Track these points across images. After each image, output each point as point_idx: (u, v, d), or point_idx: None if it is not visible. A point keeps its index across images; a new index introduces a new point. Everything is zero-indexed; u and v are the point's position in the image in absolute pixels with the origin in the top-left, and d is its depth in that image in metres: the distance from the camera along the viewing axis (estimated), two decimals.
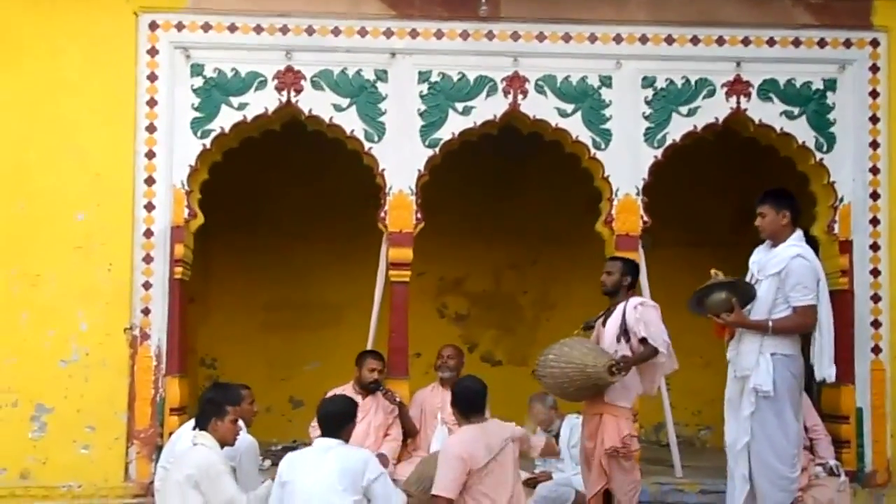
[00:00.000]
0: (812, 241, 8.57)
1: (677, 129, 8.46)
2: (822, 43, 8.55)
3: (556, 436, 8.12)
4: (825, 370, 6.61)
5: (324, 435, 6.16)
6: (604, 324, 7.05)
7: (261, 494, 6.13)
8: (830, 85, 8.52)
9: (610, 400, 6.76)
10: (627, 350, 6.75)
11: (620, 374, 6.60)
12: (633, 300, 6.94)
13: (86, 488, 7.94)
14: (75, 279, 8.11)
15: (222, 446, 6.13)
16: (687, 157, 8.79)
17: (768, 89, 8.48)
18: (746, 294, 6.53)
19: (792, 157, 8.67)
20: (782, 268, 6.47)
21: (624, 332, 6.78)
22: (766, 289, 6.51)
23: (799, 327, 6.51)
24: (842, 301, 8.32)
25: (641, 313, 6.80)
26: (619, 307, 6.92)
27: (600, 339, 7.00)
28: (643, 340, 6.74)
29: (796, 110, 8.49)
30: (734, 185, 10.71)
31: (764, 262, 6.59)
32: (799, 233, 6.69)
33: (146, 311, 8.18)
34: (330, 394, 7.85)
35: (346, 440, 6.17)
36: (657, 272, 8.52)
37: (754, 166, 9.97)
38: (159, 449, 7.66)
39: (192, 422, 6.51)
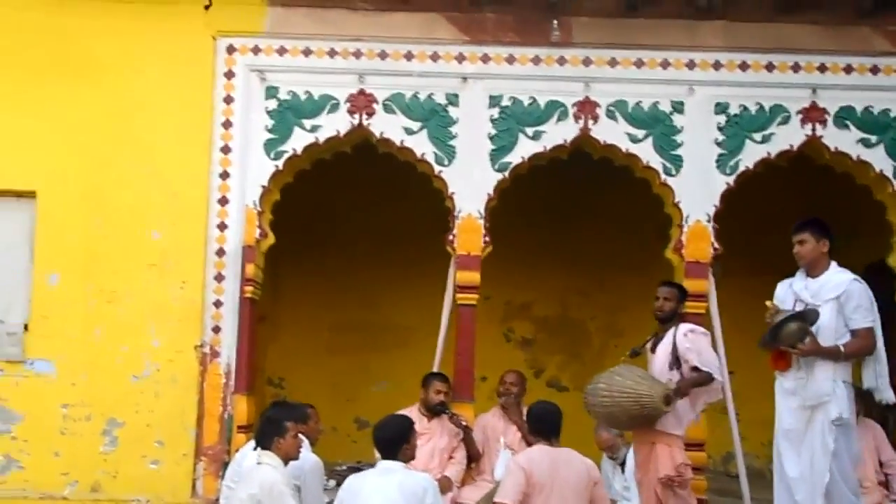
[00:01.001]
0: (889, 272, 8.43)
1: (750, 155, 8.37)
2: None
3: (622, 464, 8.05)
4: (885, 392, 6.51)
5: (384, 458, 6.14)
6: (653, 350, 7.00)
7: None
8: None
9: (662, 428, 6.68)
10: (678, 377, 6.70)
11: (673, 403, 6.54)
12: (683, 327, 6.87)
13: (154, 503, 8.05)
14: (149, 296, 8.26)
15: (286, 462, 6.17)
16: (759, 185, 8.69)
17: (844, 117, 8.36)
18: (812, 322, 6.43)
19: (869, 185, 8.53)
20: (842, 291, 6.41)
21: (675, 359, 6.72)
22: (829, 314, 6.41)
23: (864, 350, 6.43)
24: None
25: (693, 341, 6.76)
26: (669, 333, 6.87)
27: (649, 365, 6.94)
28: (694, 368, 6.68)
29: (874, 138, 8.35)
30: (808, 213, 10.51)
31: (816, 289, 6.50)
32: (834, 263, 6.63)
33: (216, 329, 8.30)
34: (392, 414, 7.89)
35: (406, 460, 6.15)
36: (725, 300, 8.41)
37: (827, 195, 9.81)
38: (226, 465, 7.75)
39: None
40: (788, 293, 6.63)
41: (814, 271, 6.57)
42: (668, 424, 6.70)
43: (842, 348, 6.34)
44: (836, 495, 6.32)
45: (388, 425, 6.26)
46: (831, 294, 6.43)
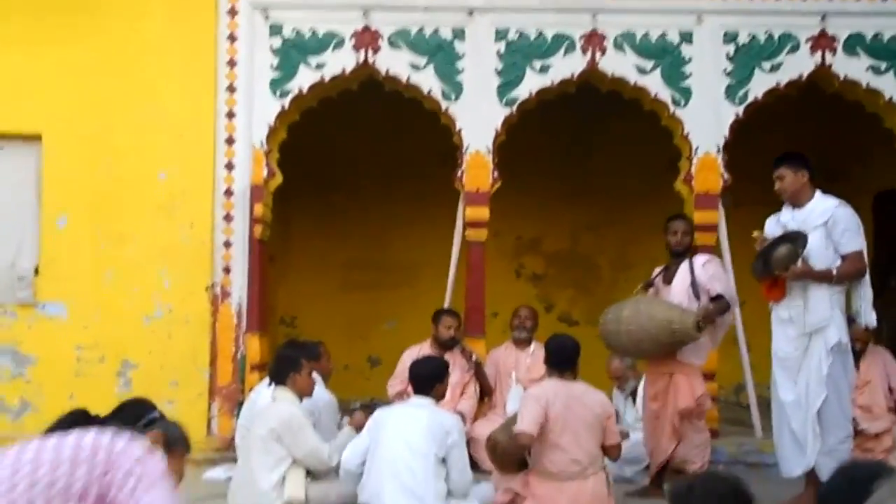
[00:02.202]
0: None
1: (759, 85, 8.30)
2: None
3: (633, 394, 8.09)
4: (868, 316, 6.52)
5: (416, 393, 6.23)
6: (667, 282, 6.99)
7: (341, 442, 6.22)
8: None
9: (683, 358, 6.72)
10: (701, 306, 6.73)
11: (704, 329, 6.57)
12: (700, 258, 6.88)
13: None
14: (158, 238, 8.28)
15: (300, 399, 6.23)
16: (769, 114, 8.62)
17: (854, 44, 8.26)
18: (803, 245, 6.39)
19: (879, 112, 8.46)
20: (828, 217, 6.39)
21: (695, 290, 6.72)
22: (818, 241, 6.39)
23: (856, 273, 6.42)
24: None
25: (713, 271, 6.81)
26: (684, 265, 6.88)
27: (664, 297, 6.95)
28: (714, 297, 6.68)
29: (883, 65, 8.26)
30: (817, 142, 10.48)
31: (803, 217, 6.48)
32: (818, 191, 6.59)
33: (227, 270, 8.32)
34: (408, 352, 7.92)
35: (438, 399, 6.22)
36: (737, 231, 8.38)
37: (838, 124, 9.73)
38: (240, 405, 7.79)
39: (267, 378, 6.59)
40: (776, 227, 6.61)
41: (798, 202, 6.54)
42: (688, 354, 6.74)
43: (833, 271, 6.33)
44: (829, 419, 6.34)
45: (428, 363, 6.40)
46: (818, 220, 6.42)
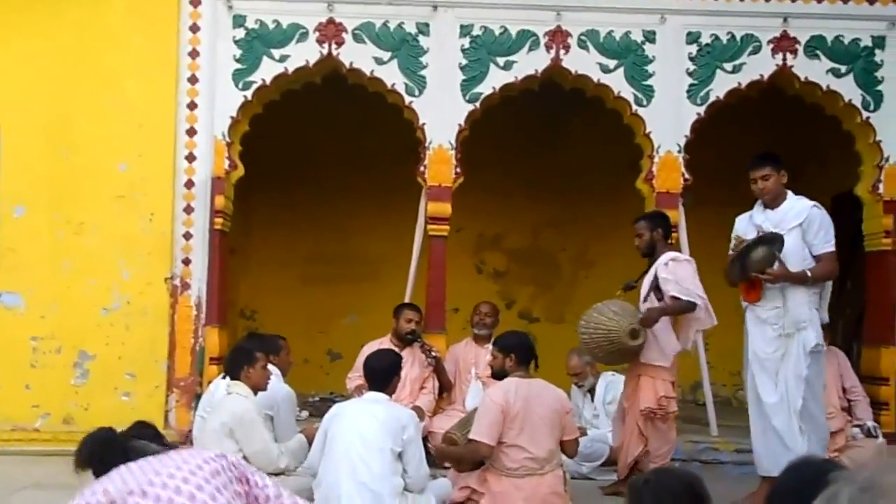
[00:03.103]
0: (855, 201, 8.49)
1: (721, 85, 8.37)
2: None
3: (591, 391, 8.13)
4: (822, 313, 6.60)
5: (371, 388, 6.18)
6: (641, 282, 7.02)
7: (292, 448, 6.20)
8: (879, 42, 8.37)
9: (646, 360, 6.74)
10: (651, 307, 6.73)
11: (641, 337, 6.57)
12: (665, 256, 6.84)
13: None
14: (117, 229, 8.20)
15: (256, 392, 6.19)
16: (731, 115, 8.69)
17: (815, 46, 8.35)
18: (779, 247, 6.46)
19: (838, 115, 8.55)
20: (804, 218, 6.46)
21: (656, 288, 6.74)
22: (793, 242, 6.45)
23: (830, 274, 6.52)
24: (884, 262, 8.28)
25: (672, 270, 6.71)
26: (654, 265, 6.88)
27: (641, 299, 6.97)
28: (673, 297, 6.69)
29: (843, 68, 8.35)
30: (777, 144, 10.56)
31: (778, 218, 6.53)
32: (790, 192, 6.68)
33: (186, 262, 8.27)
34: (367, 346, 7.91)
35: (391, 394, 6.20)
36: (698, 230, 8.46)
37: (798, 125, 9.83)
38: (198, 397, 7.77)
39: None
40: (749, 226, 6.65)
41: (774, 203, 6.60)
42: (652, 357, 6.73)
43: (808, 273, 6.41)
44: (808, 419, 6.43)
45: (382, 356, 6.33)
46: (794, 222, 6.48)
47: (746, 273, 6.50)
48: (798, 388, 6.39)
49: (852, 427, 7.54)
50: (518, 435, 6.06)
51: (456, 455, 6.34)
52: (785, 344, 6.47)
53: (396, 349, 7.99)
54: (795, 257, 6.44)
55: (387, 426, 5.81)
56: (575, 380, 8.17)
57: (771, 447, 6.46)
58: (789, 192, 6.62)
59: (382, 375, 6.12)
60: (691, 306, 6.66)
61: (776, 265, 6.40)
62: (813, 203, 6.54)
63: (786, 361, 6.46)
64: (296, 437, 6.42)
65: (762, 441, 6.54)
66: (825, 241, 6.47)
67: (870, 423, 7.62)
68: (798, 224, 6.47)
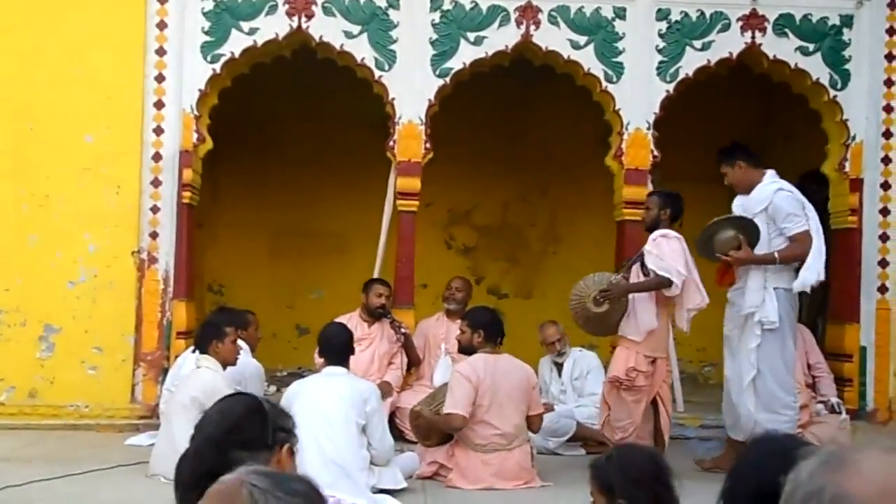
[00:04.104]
0: (822, 179, 8.56)
1: (690, 63, 8.38)
2: None
3: (559, 366, 8.15)
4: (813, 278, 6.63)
5: (329, 363, 6.18)
6: None
7: None
8: (847, 21, 8.40)
9: (622, 332, 6.77)
10: (636, 279, 6.77)
11: (605, 303, 6.62)
12: (655, 233, 6.83)
13: (92, 409, 8.03)
14: (83, 201, 8.13)
15: (224, 367, 6.18)
16: (700, 92, 8.72)
17: (784, 24, 8.38)
18: (752, 231, 6.53)
19: (805, 93, 8.60)
20: (767, 203, 6.57)
21: (642, 263, 6.77)
22: (760, 225, 6.58)
23: (800, 254, 6.58)
24: (850, 240, 8.36)
25: (656, 245, 6.69)
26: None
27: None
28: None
29: (811, 46, 8.39)
30: (747, 121, 10.64)
31: (749, 204, 6.67)
32: (770, 172, 6.77)
33: (154, 235, 8.21)
34: (336, 321, 7.90)
35: (348, 367, 6.20)
36: None
37: (766, 103, 9.88)
38: (165, 371, 7.74)
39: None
40: (737, 210, 6.82)
41: (748, 190, 6.73)
42: (627, 330, 6.73)
43: (776, 255, 6.49)
44: (764, 394, 6.59)
45: (337, 333, 6.30)
46: (758, 207, 6.61)
47: (711, 253, 6.59)
48: (747, 364, 6.59)
49: (816, 403, 7.63)
50: (487, 411, 6.11)
51: (427, 426, 6.36)
52: (743, 322, 6.63)
53: (366, 324, 8.02)
54: (761, 241, 6.56)
55: (349, 400, 5.82)
56: (548, 349, 8.15)
57: (731, 417, 6.81)
58: (768, 174, 6.72)
59: (341, 349, 6.12)
60: (666, 282, 6.62)
61: (743, 248, 6.46)
62: (778, 187, 6.63)
63: (743, 339, 6.64)
64: None
65: (726, 410, 6.90)
66: (796, 224, 6.55)
67: (834, 400, 7.71)
68: (763, 209, 6.59)
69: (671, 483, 3.08)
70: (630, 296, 6.74)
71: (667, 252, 6.66)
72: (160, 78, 8.23)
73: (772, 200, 6.56)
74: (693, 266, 6.72)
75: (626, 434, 6.68)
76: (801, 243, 6.55)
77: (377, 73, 8.31)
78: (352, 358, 6.28)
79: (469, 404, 6.06)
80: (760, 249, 6.55)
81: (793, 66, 8.39)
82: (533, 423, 6.37)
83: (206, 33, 8.24)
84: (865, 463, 1.34)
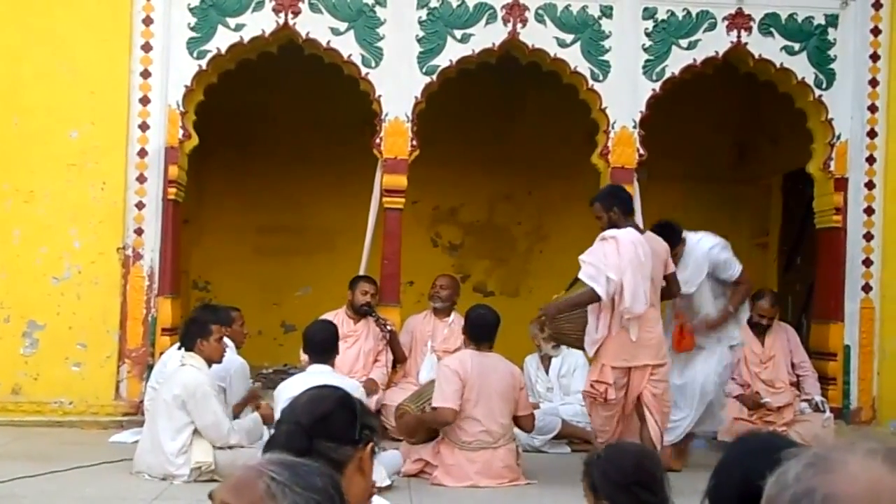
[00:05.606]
0: (807, 178, 8.60)
1: (676, 62, 8.40)
2: None
3: (550, 362, 8.15)
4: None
5: (314, 361, 6.17)
6: None
7: (244, 425, 6.18)
8: (832, 21, 8.44)
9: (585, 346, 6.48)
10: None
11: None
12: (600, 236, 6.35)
13: (77, 405, 7.99)
14: (68, 197, 8.09)
15: (210, 365, 6.17)
16: (686, 91, 8.74)
17: (769, 24, 8.40)
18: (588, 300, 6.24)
19: (790, 92, 8.62)
20: (707, 268, 6.82)
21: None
22: (702, 290, 6.84)
23: (748, 292, 7.08)
24: (834, 239, 8.39)
25: (589, 251, 6.22)
26: None
27: None
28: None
29: (797, 46, 8.42)
30: (732, 120, 10.67)
31: (685, 278, 6.72)
32: (690, 235, 6.97)
33: (139, 231, 8.18)
34: (322, 318, 7.89)
35: (333, 365, 6.20)
36: (653, 205, 8.52)
37: (751, 103, 9.90)
38: (150, 368, 7.72)
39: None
40: None
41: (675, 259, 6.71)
42: (586, 344, 6.36)
43: (731, 308, 6.90)
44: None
45: (322, 330, 6.30)
46: (700, 278, 6.81)
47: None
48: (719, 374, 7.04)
49: (800, 402, 7.66)
50: (474, 407, 6.11)
51: (413, 423, 6.36)
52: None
53: (352, 321, 8.01)
54: (707, 300, 6.89)
55: None
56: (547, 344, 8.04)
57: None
58: (688, 241, 6.84)
59: (325, 347, 6.11)
60: (593, 296, 6.06)
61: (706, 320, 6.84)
62: (700, 250, 6.82)
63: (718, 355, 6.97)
64: (251, 415, 6.40)
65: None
66: (734, 267, 6.89)
67: (818, 398, 7.75)
68: (706, 274, 6.82)
69: (655, 487, 3.06)
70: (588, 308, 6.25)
71: (594, 259, 6.12)
72: (146, 74, 8.20)
73: (709, 264, 6.81)
74: (640, 264, 6.10)
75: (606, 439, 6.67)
76: (745, 282, 6.95)
77: (364, 70, 8.31)
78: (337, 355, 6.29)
79: (458, 398, 6.07)
80: (705, 309, 6.86)
81: (778, 65, 8.42)
82: (525, 422, 6.38)
83: (193, 29, 8.22)
84: (853, 464, 1.35)
